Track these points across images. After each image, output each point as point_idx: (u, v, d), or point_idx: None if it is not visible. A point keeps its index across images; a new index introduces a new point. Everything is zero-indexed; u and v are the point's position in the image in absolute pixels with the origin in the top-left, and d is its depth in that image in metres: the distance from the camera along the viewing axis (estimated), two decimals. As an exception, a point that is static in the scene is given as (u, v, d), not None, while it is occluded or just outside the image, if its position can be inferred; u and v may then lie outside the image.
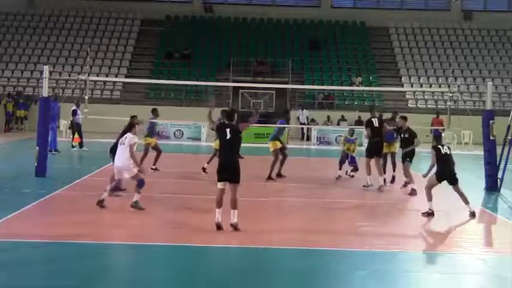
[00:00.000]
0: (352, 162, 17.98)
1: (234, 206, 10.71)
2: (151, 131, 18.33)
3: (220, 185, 10.75)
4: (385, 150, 16.72)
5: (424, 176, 13.35)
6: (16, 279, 7.91)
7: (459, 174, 13.04)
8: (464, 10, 43.85)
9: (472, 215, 12.82)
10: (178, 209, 12.89)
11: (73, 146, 23.86)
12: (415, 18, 43.36)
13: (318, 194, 15.47)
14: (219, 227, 10.56)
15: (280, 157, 17.36)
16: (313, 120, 36.17)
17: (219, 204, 10.66)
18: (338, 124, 35.14)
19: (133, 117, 13.44)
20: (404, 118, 16.02)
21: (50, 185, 14.80)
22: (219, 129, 11.07)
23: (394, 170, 17.13)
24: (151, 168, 17.63)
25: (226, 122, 11.14)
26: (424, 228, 11.86)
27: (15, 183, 15.26)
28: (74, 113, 24.11)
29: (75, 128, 24.05)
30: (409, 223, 12.33)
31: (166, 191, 15.30)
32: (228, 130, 10.82)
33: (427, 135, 33.32)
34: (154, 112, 18.40)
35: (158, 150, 18.20)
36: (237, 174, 10.72)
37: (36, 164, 16.04)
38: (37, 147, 16.13)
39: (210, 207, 12.78)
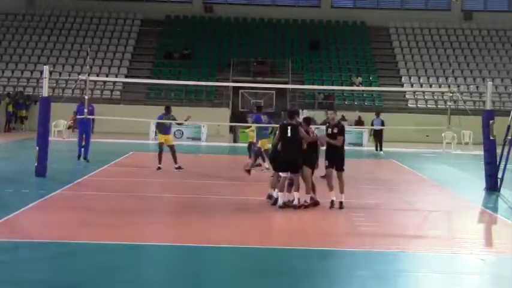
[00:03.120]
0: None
1: (297, 189, 12.60)
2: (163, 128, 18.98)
3: (283, 174, 12.57)
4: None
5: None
6: (16, 279, 7.91)
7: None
8: (464, 10, 43.80)
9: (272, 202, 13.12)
10: (179, 209, 12.88)
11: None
12: (415, 18, 43.32)
13: (318, 194, 15.41)
14: (285, 205, 12.47)
15: None
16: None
17: (283, 189, 12.50)
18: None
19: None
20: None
21: (50, 185, 14.78)
22: (281, 128, 12.66)
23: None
24: (175, 168, 18.19)
25: (289, 121, 12.65)
26: (424, 228, 11.85)
27: (15, 183, 15.24)
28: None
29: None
30: (409, 223, 12.31)
31: (168, 190, 15.29)
32: (289, 128, 12.45)
33: (427, 136, 33.47)
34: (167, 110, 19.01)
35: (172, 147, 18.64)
36: (297, 166, 12.59)
37: (36, 164, 16.04)
38: (37, 147, 16.12)
39: (211, 207, 12.83)
